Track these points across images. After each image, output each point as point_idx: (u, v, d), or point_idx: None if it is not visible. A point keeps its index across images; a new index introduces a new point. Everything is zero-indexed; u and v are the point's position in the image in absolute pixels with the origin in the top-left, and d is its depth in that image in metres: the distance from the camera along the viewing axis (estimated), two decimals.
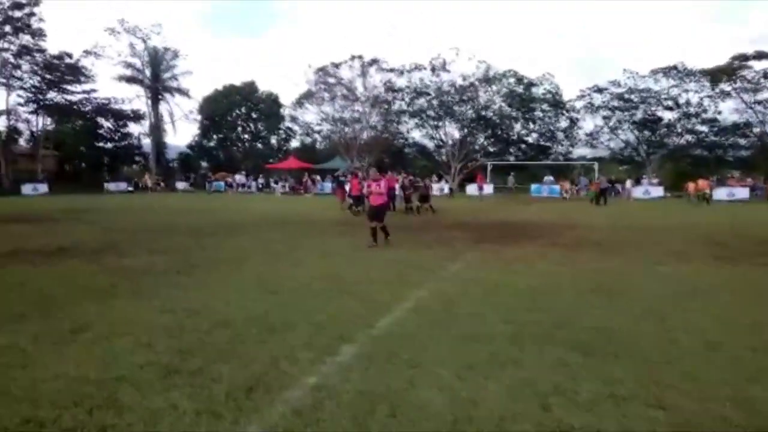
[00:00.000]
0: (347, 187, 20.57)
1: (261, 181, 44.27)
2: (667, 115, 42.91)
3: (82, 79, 42.59)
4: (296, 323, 4.94)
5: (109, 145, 50.09)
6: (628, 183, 36.58)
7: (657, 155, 43.20)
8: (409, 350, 4.21)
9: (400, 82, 47.27)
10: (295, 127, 54.94)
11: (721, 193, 31.51)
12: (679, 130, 42.87)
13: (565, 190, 34.34)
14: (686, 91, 41.34)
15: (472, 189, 39.64)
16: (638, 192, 34.51)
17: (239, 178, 44.28)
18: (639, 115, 43.14)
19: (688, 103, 41.61)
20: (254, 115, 54.93)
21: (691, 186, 32.17)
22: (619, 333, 4.71)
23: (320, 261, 8.63)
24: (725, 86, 40.00)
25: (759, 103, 39.98)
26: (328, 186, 39.25)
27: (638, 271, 7.78)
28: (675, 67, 40.67)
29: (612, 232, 13.25)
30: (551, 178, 39.87)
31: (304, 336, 4.58)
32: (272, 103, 54.68)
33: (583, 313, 5.39)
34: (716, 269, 8.06)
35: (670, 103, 42.02)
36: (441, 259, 8.80)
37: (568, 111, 46.53)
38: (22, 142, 45.11)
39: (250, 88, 54.30)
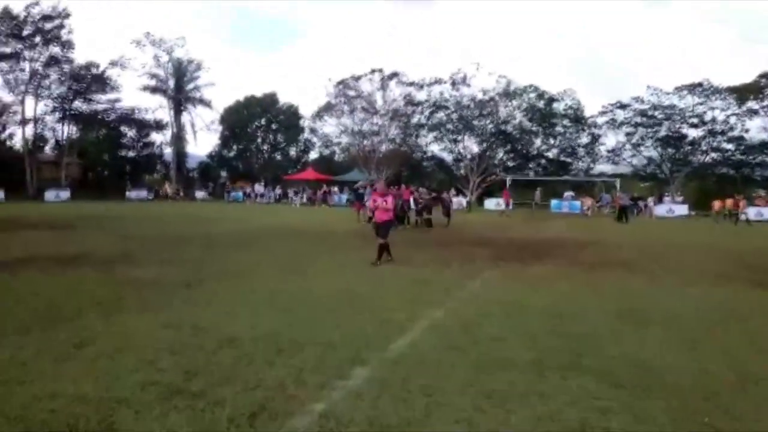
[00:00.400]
0: (367, 200, 20.25)
1: (278, 191, 44.42)
2: (692, 133, 41.99)
3: (108, 88, 43.45)
4: (306, 343, 4.73)
5: (132, 153, 50.89)
6: (650, 200, 35.79)
7: (681, 173, 42.22)
8: (424, 376, 3.96)
9: (420, 95, 47.30)
10: (314, 139, 55.22)
11: (748, 213, 30.58)
12: (704, 148, 41.89)
13: (587, 207, 33.63)
14: (712, 108, 40.43)
15: (490, 203, 39.24)
16: (662, 210, 33.71)
17: (258, 188, 44.51)
18: (663, 131, 42.29)
19: (713, 120, 40.69)
20: (274, 127, 55.35)
21: (716, 204, 31.41)
22: (649, 362, 4.39)
23: (334, 276, 8.43)
24: (753, 104, 39.07)
25: None
26: (345, 198, 39.22)
27: (666, 294, 7.40)
28: (700, 84, 39.88)
29: (637, 252, 12.82)
30: (572, 193, 39.24)
31: (313, 357, 4.36)
32: (292, 114, 55.08)
33: (610, 338, 5.07)
34: (749, 293, 7.65)
35: (695, 120, 41.14)
36: (459, 277, 8.52)
37: (589, 127, 45.89)
38: (47, 149, 46.07)
39: (270, 99, 54.79)
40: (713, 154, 42.10)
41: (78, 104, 43.00)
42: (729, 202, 29.84)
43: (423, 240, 14.81)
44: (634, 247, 13.96)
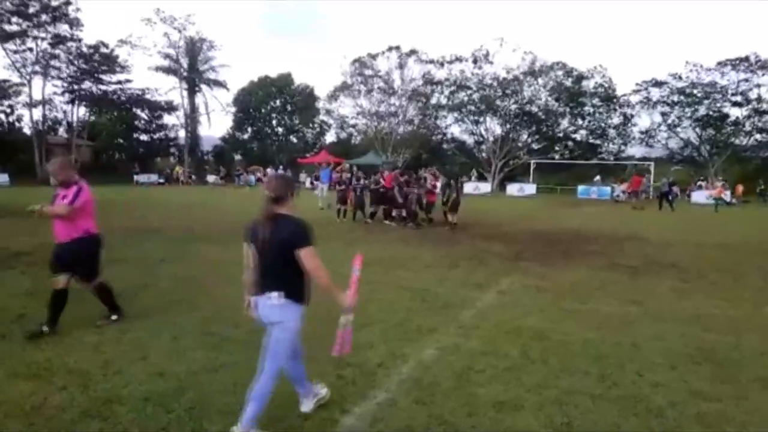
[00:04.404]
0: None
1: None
2: (735, 112, 38.59)
3: (117, 69, 42.14)
4: (222, 413, 3.04)
5: (145, 136, 49.75)
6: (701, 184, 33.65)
7: (721, 156, 38.92)
8: None
9: (440, 74, 44.88)
10: (330, 121, 53.36)
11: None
12: (749, 129, 38.59)
13: (625, 191, 30.46)
14: (758, 85, 36.84)
15: (513, 189, 37.04)
16: (701, 196, 31.00)
17: (270, 172, 42.99)
18: (702, 111, 39.02)
19: (759, 98, 37.23)
20: (289, 108, 53.59)
21: (739, 188, 31.75)
22: None
23: None
24: None
25: None
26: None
27: (748, 319, 5.47)
28: (746, 59, 36.41)
29: (686, 249, 10.76)
30: (598, 178, 36.61)
31: None
32: (308, 95, 53.20)
33: (693, 413, 3.25)
34: None
35: (738, 98, 37.74)
36: (467, 287, 6.73)
37: (621, 106, 42.82)
38: (61, 131, 45.21)
39: (285, 80, 52.91)
40: (758, 136, 38.72)
41: (87, 85, 41.86)
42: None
43: (433, 235, 13.03)
44: (682, 243, 11.87)
